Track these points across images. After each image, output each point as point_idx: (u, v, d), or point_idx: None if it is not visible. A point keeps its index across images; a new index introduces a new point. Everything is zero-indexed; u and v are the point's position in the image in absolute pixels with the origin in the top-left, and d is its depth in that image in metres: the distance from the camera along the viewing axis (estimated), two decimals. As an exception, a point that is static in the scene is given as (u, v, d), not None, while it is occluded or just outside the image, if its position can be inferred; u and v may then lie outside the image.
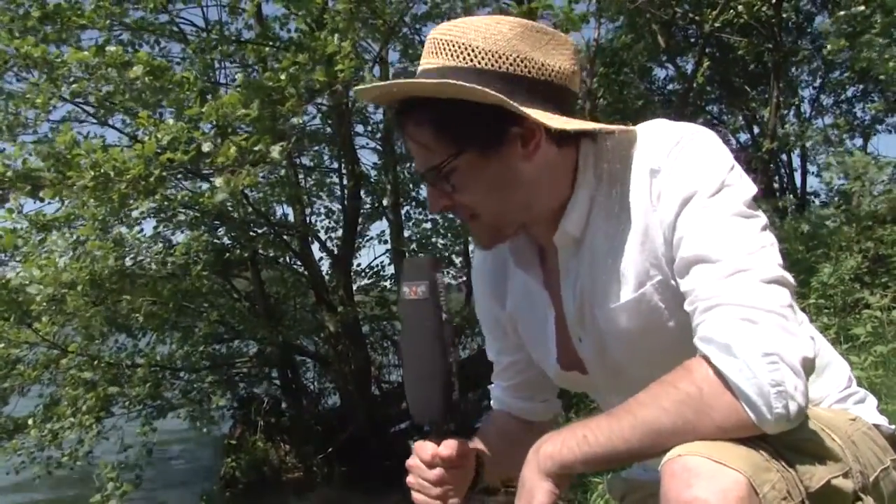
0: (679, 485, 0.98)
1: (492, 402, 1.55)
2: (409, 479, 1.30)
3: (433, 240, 9.15)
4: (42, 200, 5.71)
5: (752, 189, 1.14)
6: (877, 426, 1.27)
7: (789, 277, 1.09)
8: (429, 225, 9.23)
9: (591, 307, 1.24)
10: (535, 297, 1.35)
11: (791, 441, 1.05)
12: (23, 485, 7.44)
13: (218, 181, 5.20)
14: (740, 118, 10.93)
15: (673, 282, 1.15)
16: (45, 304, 5.86)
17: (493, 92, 1.11)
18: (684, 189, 1.13)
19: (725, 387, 1.02)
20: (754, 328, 1.02)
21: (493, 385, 1.55)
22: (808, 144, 10.25)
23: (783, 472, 1.02)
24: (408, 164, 9.17)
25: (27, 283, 5.89)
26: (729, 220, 1.10)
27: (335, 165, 8.97)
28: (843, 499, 1.10)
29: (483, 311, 1.51)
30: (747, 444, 1.01)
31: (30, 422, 6.45)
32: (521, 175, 1.20)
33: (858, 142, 10.83)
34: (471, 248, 9.29)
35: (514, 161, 1.19)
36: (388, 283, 9.61)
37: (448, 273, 8.97)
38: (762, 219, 1.13)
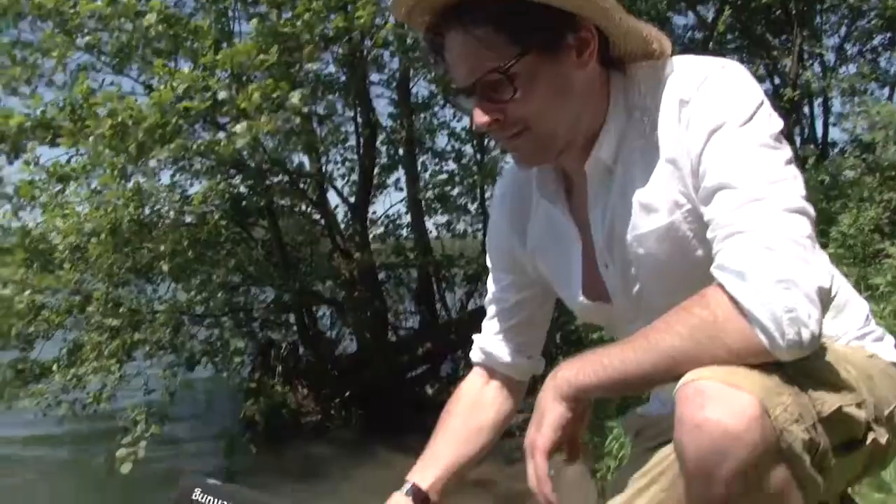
0: (692, 407, 1.00)
1: (472, 355, 1.56)
2: None
3: (448, 189, 9.16)
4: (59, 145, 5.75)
5: (779, 124, 1.15)
6: (894, 364, 1.28)
7: (811, 209, 1.09)
8: (444, 176, 9.23)
9: (620, 235, 1.25)
10: (560, 229, 1.36)
11: (805, 368, 1.06)
12: (46, 437, 7.63)
13: (238, 127, 5.21)
14: (761, 67, 10.75)
15: (700, 211, 1.16)
16: (67, 252, 5.94)
17: None
18: (713, 119, 1.13)
19: (739, 312, 1.03)
20: (771, 255, 1.03)
21: (480, 335, 1.55)
22: (830, 94, 10.08)
23: (796, 396, 1.03)
24: (423, 116, 9.13)
25: (50, 231, 5.99)
26: (754, 149, 1.11)
27: (350, 114, 8.93)
28: (854, 426, 1.12)
29: (498, 248, 1.51)
30: (760, 370, 1.03)
31: (54, 367, 6.58)
32: (575, 85, 1.20)
33: (884, 92, 10.61)
34: (487, 194, 9.30)
35: (570, 69, 1.18)
36: (403, 232, 9.65)
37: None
38: (787, 152, 1.13)
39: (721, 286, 1.05)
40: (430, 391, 8.60)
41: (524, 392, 1.57)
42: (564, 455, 1.19)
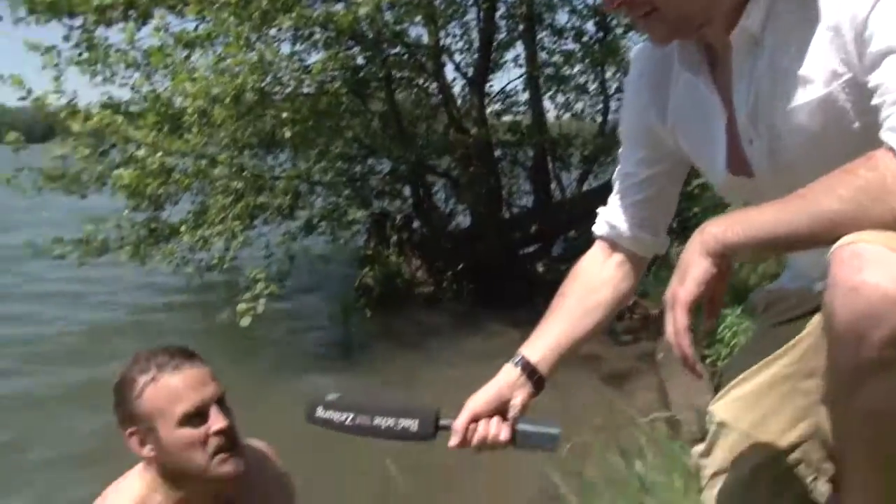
0: (848, 270, 0.97)
1: (595, 228, 1.54)
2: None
3: (565, 71, 8.93)
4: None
5: None
6: None
7: None
8: (560, 58, 8.98)
9: (768, 109, 1.20)
10: (703, 101, 1.31)
11: None
12: (174, 288, 8.13)
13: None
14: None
15: (862, 80, 1.09)
16: (195, 116, 6.15)
17: None
18: None
19: None
20: None
21: (605, 208, 1.53)
22: None
23: None
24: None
25: (178, 95, 6.20)
26: None
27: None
28: None
29: (634, 123, 1.48)
30: None
31: (182, 228, 6.93)
32: None
33: None
34: (607, 74, 9.02)
35: None
36: (520, 110, 9.52)
37: None
38: None
39: (892, 149, 1.00)
40: (540, 269, 8.66)
41: (643, 271, 1.55)
42: (704, 313, 1.17)
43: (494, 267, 8.40)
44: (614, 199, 1.52)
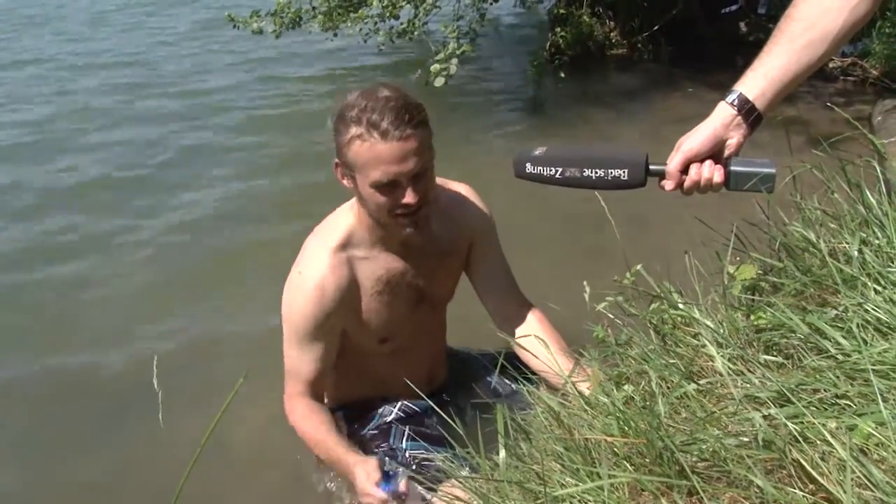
0: None
1: None
2: None
3: None
4: None
5: None
6: None
7: None
8: None
9: None
10: None
11: None
12: (368, 51, 8.35)
13: None
14: None
15: None
16: None
17: None
18: None
19: None
20: None
21: None
22: None
23: None
24: None
25: None
26: None
27: None
28: None
29: None
30: None
31: (371, -7, 6.99)
32: None
33: None
34: None
35: None
36: None
37: None
38: None
39: None
40: (743, 29, 8.14)
41: None
42: None
43: (693, 27, 7.99)
44: None
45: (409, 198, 1.88)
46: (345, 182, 1.99)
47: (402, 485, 1.88)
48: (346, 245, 2.06)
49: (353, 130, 1.84)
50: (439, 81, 5.76)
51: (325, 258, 2.04)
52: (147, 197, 5.27)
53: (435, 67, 5.80)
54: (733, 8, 8.36)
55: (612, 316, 1.58)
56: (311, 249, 2.10)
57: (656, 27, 7.89)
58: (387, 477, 1.91)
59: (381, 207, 1.91)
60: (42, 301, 3.98)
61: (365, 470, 1.94)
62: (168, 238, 4.63)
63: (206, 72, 8.87)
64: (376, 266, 2.11)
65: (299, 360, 2.14)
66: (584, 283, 1.64)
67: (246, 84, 8.23)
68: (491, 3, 7.06)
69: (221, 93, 7.89)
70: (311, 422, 2.15)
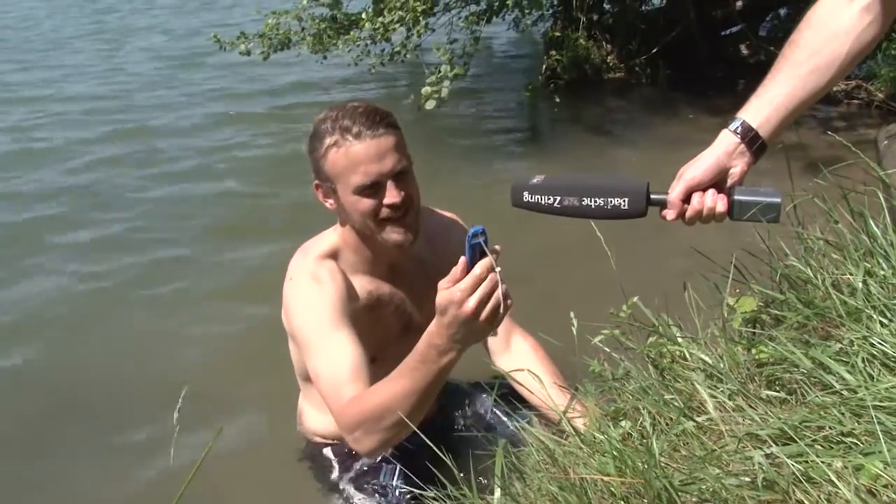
0: None
1: None
2: None
3: None
4: None
5: None
6: None
7: None
8: None
9: None
10: None
11: None
12: (355, 78, 8.40)
13: None
14: None
15: None
16: None
17: None
18: None
19: None
20: None
21: None
22: None
23: None
24: None
25: None
26: None
27: None
28: None
29: None
30: None
31: (363, 15, 7.05)
32: None
33: None
34: None
35: None
36: None
37: None
38: None
39: None
40: (744, 52, 8.21)
41: (891, 20, 1.40)
42: None
43: (692, 50, 8.06)
44: None
45: (392, 196, 1.91)
46: (328, 203, 2.01)
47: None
48: (332, 257, 2.08)
49: (328, 140, 1.89)
50: (430, 104, 5.77)
51: (311, 262, 2.06)
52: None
53: (426, 90, 5.81)
54: (734, 30, 8.43)
55: (608, 349, 1.57)
56: (295, 261, 2.11)
57: (655, 50, 7.95)
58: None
59: (367, 213, 1.93)
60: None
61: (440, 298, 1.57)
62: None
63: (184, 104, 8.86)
64: (363, 286, 2.11)
65: (330, 360, 1.90)
66: (572, 314, 1.63)
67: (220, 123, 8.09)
68: (483, 25, 7.10)
69: (195, 129, 7.72)
70: (369, 398, 1.80)
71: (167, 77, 9.90)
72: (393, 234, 1.97)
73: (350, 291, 2.06)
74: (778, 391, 1.24)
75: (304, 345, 2.01)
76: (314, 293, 2.00)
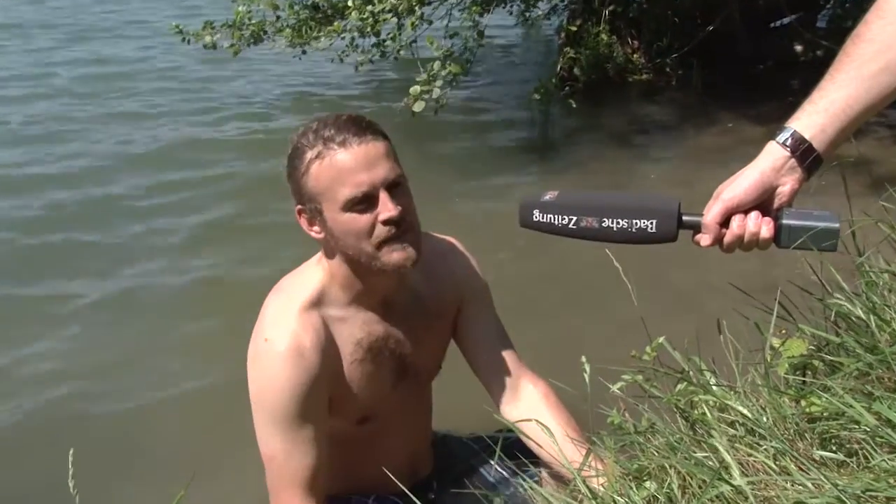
0: None
1: None
2: None
3: None
4: None
5: None
6: None
7: None
8: None
9: None
10: None
11: None
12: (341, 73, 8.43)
13: None
14: None
15: None
16: None
17: None
18: None
19: None
20: None
21: None
22: None
23: None
24: None
25: None
26: None
27: None
28: None
29: None
30: None
31: (350, 2, 7.04)
32: None
33: None
34: None
35: None
36: None
37: None
38: None
39: None
40: (798, 48, 8.21)
41: None
42: None
43: (732, 46, 8.09)
44: None
45: (388, 209, 1.85)
46: (313, 231, 1.96)
47: None
48: (317, 303, 2.02)
49: (310, 154, 1.86)
50: (419, 106, 5.65)
51: (293, 317, 2.01)
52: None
53: (415, 89, 5.71)
54: (784, 21, 8.40)
55: (629, 398, 1.55)
56: (273, 310, 2.03)
57: (688, 47, 7.96)
58: None
59: (362, 233, 1.88)
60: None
61: None
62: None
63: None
64: (354, 328, 2.07)
65: (286, 455, 1.97)
66: (583, 358, 1.62)
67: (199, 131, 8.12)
68: (487, 17, 7.07)
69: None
70: None
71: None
72: (394, 255, 1.92)
73: (335, 366, 2.03)
74: (834, 452, 1.22)
75: (261, 423, 2.01)
76: (290, 368, 1.95)
